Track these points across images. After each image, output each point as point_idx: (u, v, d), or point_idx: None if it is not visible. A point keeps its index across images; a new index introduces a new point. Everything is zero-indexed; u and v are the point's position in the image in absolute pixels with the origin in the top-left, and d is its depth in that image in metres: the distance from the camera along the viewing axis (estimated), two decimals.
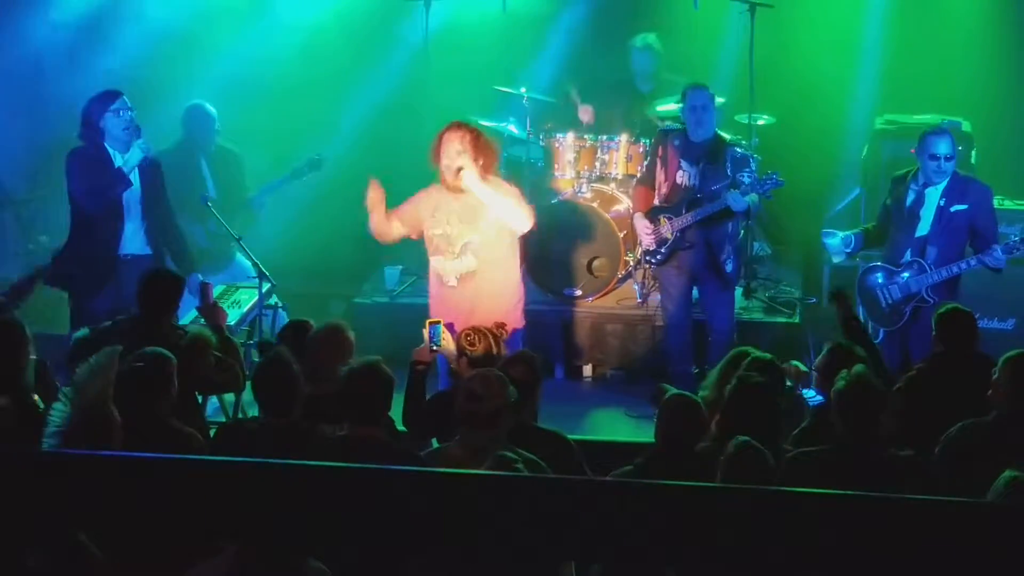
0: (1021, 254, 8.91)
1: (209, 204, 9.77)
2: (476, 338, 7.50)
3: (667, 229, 9.69)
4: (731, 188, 9.45)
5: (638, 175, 10.38)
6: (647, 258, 9.99)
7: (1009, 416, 6.60)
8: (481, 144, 8.54)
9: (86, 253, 8.93)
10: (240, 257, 10.37)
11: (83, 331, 7.75)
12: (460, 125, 8.58)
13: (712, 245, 9.64)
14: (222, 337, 7.78)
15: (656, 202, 9.82)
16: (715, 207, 9.49)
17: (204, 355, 7.41)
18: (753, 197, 9.48)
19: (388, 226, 8.77)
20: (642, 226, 9.82)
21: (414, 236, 8.84)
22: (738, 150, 9.72)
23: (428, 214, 8.67)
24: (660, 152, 9.84)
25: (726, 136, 9.98)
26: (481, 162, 8.51)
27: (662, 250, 9.74)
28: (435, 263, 8.72)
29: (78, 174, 8.90)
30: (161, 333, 7.42)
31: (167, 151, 10.25)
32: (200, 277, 9.43)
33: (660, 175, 9.80)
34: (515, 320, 8.69)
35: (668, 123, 10.33)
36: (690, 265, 9.72)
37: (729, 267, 9.71)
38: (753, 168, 9.64)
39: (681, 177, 9.69)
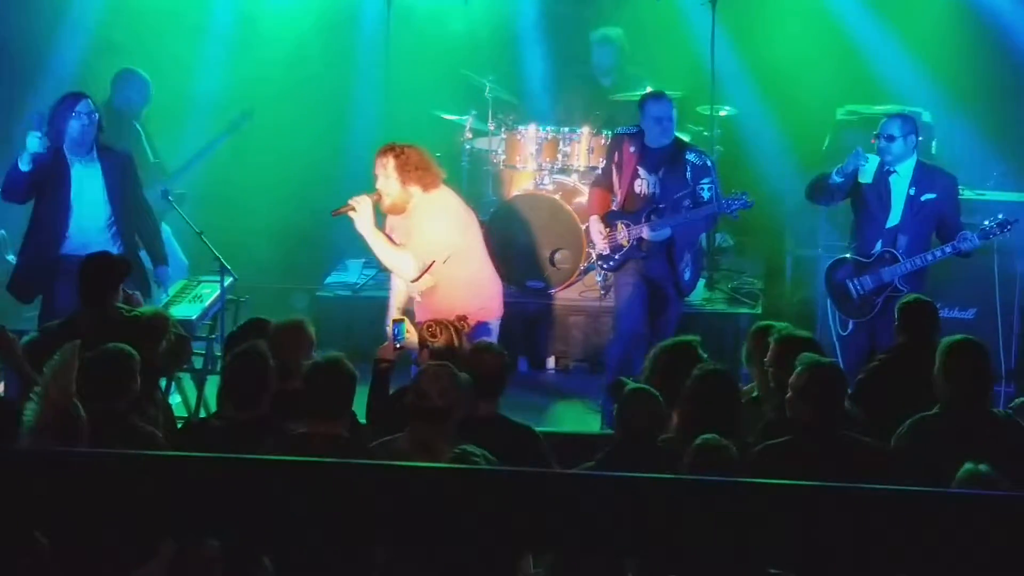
0: (996, 240, 8.94)
1: (170, 199, 9.71)
2: (438, 330, 7.48)
3: (623, 236, 9.43)
4: (693, 206, 9.24)
5: (596, 175, 10.22)
6: (600, 263, 9.83)
7: (951, 405, 6.58)
8: (409, 165, 8.26)
9: (32, 251, 8.98)
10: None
11: (31, 335, 7.60)
12: (386, 150, 8.32)
13: (673, 253, 9.40)
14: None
15: (613, 207, 9.56)
16: (676, 222, 9.24)
17: (160, 337, 7.29)
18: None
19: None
20: (597, 230, 9.57)
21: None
22: (698, 157, 9.35)
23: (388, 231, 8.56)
24: (616, 158, 9.55)
25: (684, 139, 9.74)
26: (412, 186, 8.29)
27: (616, 256, 9.52)
28: (395, 282, 8.64)
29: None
30: (108, 320, 7.32)
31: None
32: (169, 271, 9.40)
33: (616, 181, 9.53)
34: (495, 311, 8.65)
35: (623, 127, 10.12)
36: (648, 273, 9.45)
37: (687, 275, 9.48)
38: (714, 178, 9.31)
39: (640, 186, 9.40)
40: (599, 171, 10.09)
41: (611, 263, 9.60)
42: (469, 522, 4.13)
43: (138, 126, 10.82)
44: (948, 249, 8.85)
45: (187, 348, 7.81)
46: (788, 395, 6.39)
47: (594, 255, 10.01)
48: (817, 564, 4.21)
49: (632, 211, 9.43)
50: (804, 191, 9.39)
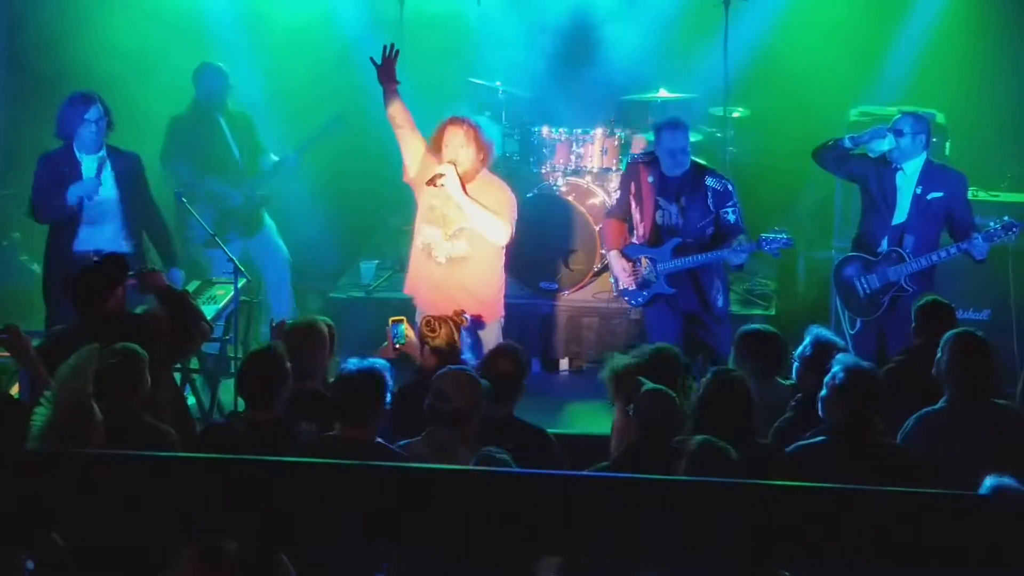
0: (1001, 241, 8.89)
1: (184, 200, 9.68)
2: (437, 325, 7.49)
3: (651, 272, 9.22)
4: (716, 231, 9.05)
5: (610, 206, 10.04)
6: (627, 299, 9.52)
7: (956, 398, 6.60)
8: (482, 138, 8.59)
9: (53, 251, 9.03)
10: (267, 219, 10.68)
11: (35, 342, 7.56)
12: (462, 120, 8.60)
13: (701, 283, 9.22)
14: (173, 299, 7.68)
15: (635, 240, 9.34)
16: (709, 259, 9.07)
17: (156, 336, 7.26)
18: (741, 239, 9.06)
19: (404, 115, 8.77)
20: (620, 266, 9.32)
21: (406, 160, 8.75)
22: (718, 182, 9.12)
23: (431, 174, 8.55)
24: (633, 188, 9.30)
25: (701, 163, 9.36)
26: (482, 156, 8.56)
27: (644, 292, 9.30)
28: (428, 232, 8.66)
29: (37, 180, 9.00)
30: (108, 324, 7.29)
31: (182, 115, 10.57)
32: (182, 273, 9.38)
33: (636, 213, 9.29)
34: (495, 311, 8.68)
35: (637, 154, 9.98)
36: (680, 307, 9.27)
37: (720, 302, 9.29)
38: (736, 201, 9.13)
39: (661, 217, 9.18)
40: (614, 202, 9.82)
41: (639, 299, 9.39)
42: (492, 523, 4.13)
43: (221, 120, 10.72)
44: (954, 249, 8.82)
45: (201, 331, 7.77)
46: (825, 395, 6.38)
47: (617, 289, 9.69)
48: (838, 564, 4.21)
49: (657, 245, 9.22)
50: (812, 151, 9.33)
